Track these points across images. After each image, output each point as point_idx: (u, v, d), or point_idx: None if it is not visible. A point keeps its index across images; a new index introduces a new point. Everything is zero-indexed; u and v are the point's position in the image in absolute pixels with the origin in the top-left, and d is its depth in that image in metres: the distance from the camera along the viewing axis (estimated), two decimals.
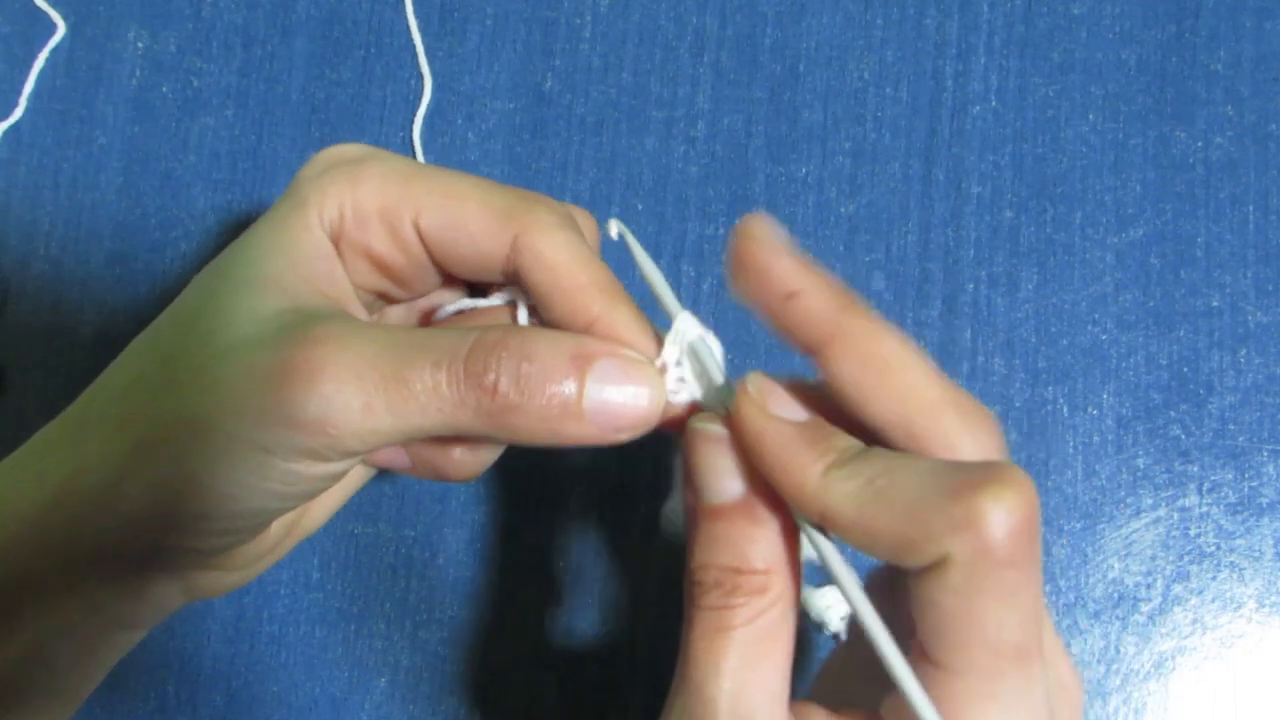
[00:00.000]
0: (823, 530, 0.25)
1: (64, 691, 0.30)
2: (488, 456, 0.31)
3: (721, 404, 0.27)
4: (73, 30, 0.46)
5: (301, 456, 0.26)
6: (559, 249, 0.28)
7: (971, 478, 0.23)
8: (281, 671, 0.41)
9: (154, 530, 0.27)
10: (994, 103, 0.44)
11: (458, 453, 0.30)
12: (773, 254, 0.26)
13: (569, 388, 0.26)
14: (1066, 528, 0.41)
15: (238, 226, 0.44)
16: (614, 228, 0.29)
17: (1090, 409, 0.42)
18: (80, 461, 0.27)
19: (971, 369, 0.42)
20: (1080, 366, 0.42)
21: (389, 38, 0.45)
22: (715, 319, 0.43)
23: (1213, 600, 0.40)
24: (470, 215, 0.28)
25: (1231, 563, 0.41)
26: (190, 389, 0.26)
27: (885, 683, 0.24)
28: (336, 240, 0.28)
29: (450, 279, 0.31)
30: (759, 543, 0.25)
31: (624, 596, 0.41)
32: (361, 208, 0.28)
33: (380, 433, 0.26)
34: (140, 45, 0.46)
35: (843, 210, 0.43)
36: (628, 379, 0.26)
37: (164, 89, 0.45)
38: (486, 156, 0.44)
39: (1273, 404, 0.41)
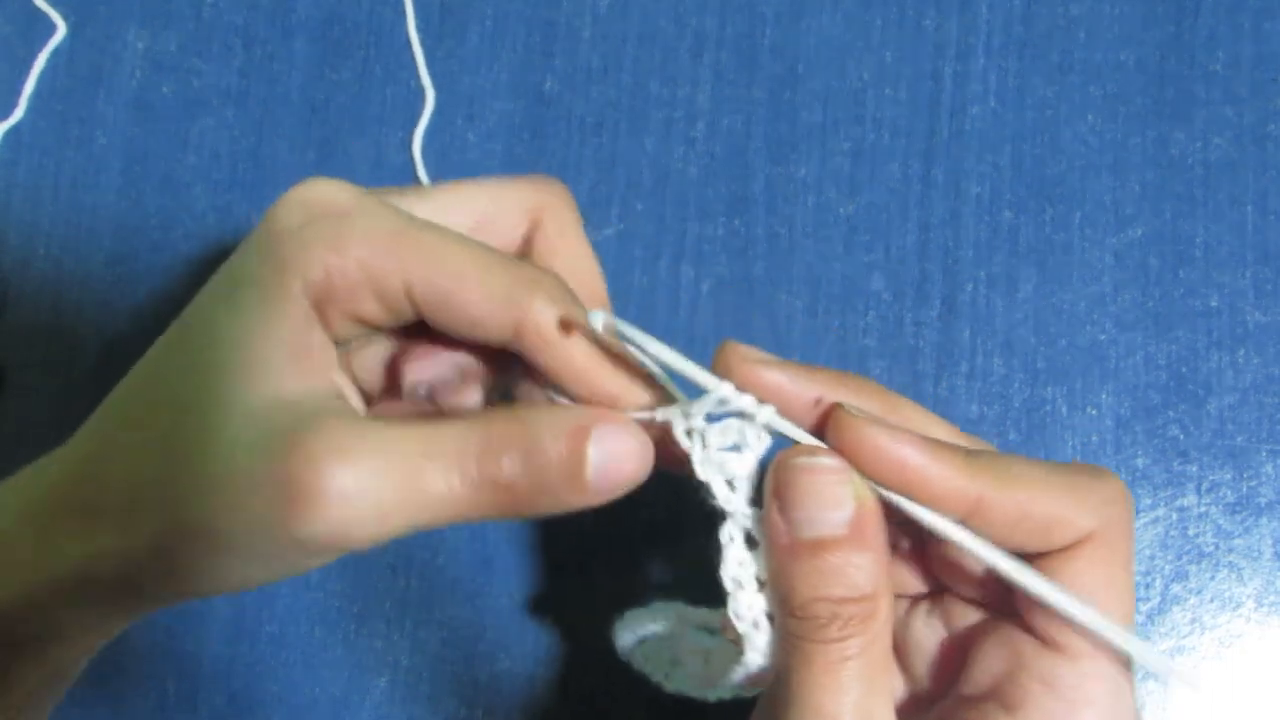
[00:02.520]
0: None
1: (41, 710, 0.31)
2: None
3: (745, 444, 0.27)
4: (73, 30, 0.46)
5: (310, 558, 0.26)
6: (567, 344, 0.27)
7: (1091, 469, 0.27)
8: (281, 671, 0.41)
9: (161, 602, 0.28)
10: (993, 103, 0.44)
11: None
12: (777, 371, 0.28)
13: (575, 466, 0.26)
14: None
15: (238, 227, 0.44)
16: (599, 322, 0.27)
17: (1089, 409, 0.42)
18: (96, 548, 0.27)
19: (970, 369, 0.42)
20: (1079, 366, 0.42)
21: (389, 38, 0.45)
22: (715, 319, 0.43)
23: (1211, 600, 0.40)
24: (467, 298, 0.27)
25: (1230, 562, 0.41)
26: (191, 498, 0.26)
27: None
28: (320, 305, 0.27)
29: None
30: (868, 570, 0.26)
31: (625, 596, 0.41)
32: (348, 275, 0.26)
33: (393, 533, 0.26)
34: (140, 45, 0.46)
35: (842, 210, 0.43)
36: (620, 438, 0.27)
37: (164, 89, 0.45)
38: (486, 157, 0.44)
39: (1271, 404, 0.41)
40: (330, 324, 0.27)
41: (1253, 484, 0.41)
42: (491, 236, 0.29)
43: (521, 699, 0.41)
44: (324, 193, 0.27)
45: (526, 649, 0.41)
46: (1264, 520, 0.41)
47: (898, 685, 0.30)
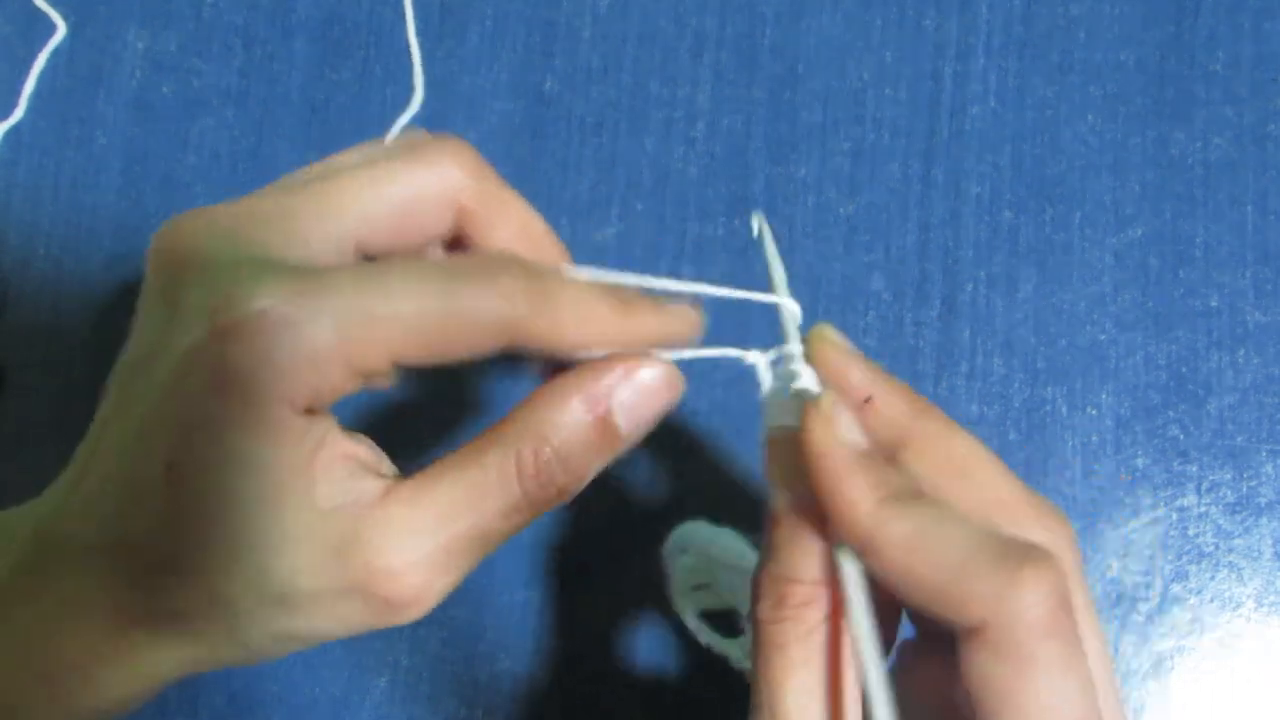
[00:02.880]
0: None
1: None
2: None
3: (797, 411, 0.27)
4: (73, 30, 0.46)
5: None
6: (559, 330, 0.27)
7: (1017, 549, 0.24)
8: (281, 671, 0.41)
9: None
10: (993, 103, 0.44)
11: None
12: (848, 361, 0.28)
13: (606, 431, 0.27)
14: None
15: None
16: (755, 223, 0.30)
17: (1089, 409, 0.42)
18: (180, 659, 0.26)
19: (970, 369, 0.42)
20: (1079, 366, 0.42)
21: (389, 38, 0.45)
22: (715, 318, 0.43)
23: (1211, 600, 0.40)
24: (454, 343, 0.26)
25: (1230, 562, 0.41)
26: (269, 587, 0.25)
27: None
28: (311, 408, 0.25)
29: None
30: (812, 555, 0.26)
31: (625, 596, 0.41)
32: (335, 384, 0.25)
33: (470, 571, 0.27)
34: (140, 45, 0.46)
35: (842, 210, 0.43)
36: (653, 389, 0.27)
37: (164, 89, 0.45)
38: (486, 157, 0.44)
39: (1271, 404, 0.41)
40: (321, 409, 0.26)
41: (1253, 484, 0.41)
42: (415, 234, 0.28)
43: (521, 699, 0.41)
44: (209, 243, 0.25)
45: (526, 649, 0.41)
46: (1264, 520, 0.41)
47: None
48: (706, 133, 0.44)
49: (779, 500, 0.27)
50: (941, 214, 0.43)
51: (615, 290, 0.28)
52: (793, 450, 0.26)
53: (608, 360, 0.27)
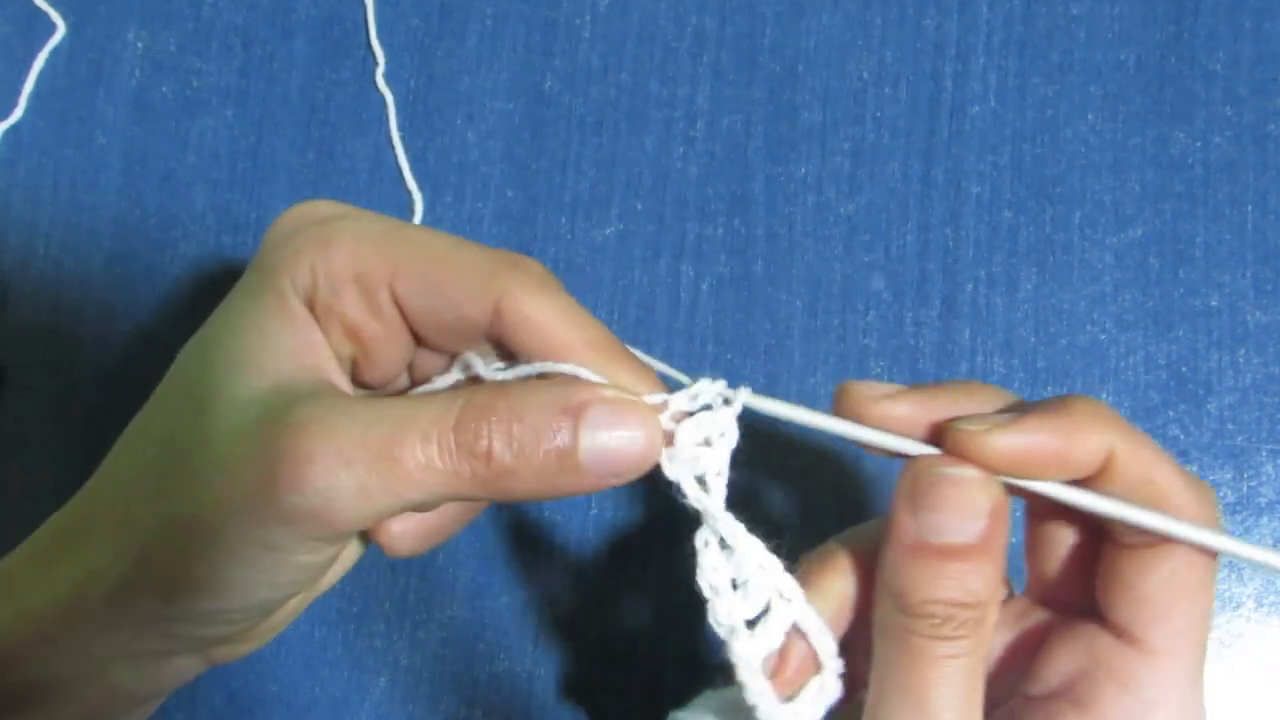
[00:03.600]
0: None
1: None
2: (434, 538, 0.30)
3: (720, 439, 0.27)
4: (73, 30, 0.46)
5: (302, 546, 0.26)
6: (546, 309, 0.27)
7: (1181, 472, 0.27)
8: (281, 671, 0.41)
9: (167, 626, 0.27)
10: (993, 103, 0.44)
11: (396, 527, 0.29)
12: (900, 402, 0.28)
13: (564, 440, 0.25)
14: None
15: (237, 226, 0.44)
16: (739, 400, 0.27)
17: None
18: (89, 565, 0.27)
19: (970, 369, 0.42)
20: (1079, 366, 0.42)
21: (388, 38, 0.45)
22: (715, 318, 0.43)
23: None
24: (450, 278, 0.27)
25: (1230, 562, 0.41)
26: (183, 490, 0.26)
27: None
28: (311, 306, 0.27)
29: (422, 344, 0.29)
30: (987, 578, 0.26)
31: (624, 596, 0.41)
32: (335, 273, 0.27)
33: (377, 512, 0.25)
34: (140, 45, 0.46)
35: (842, 210, 0.43)
36: (621, 422, 0.26)
37: (164, 89, 0.45)
38: (486, 156, 0.44)
39: (1271, 404, 0.41)
40: (328, 331, 0.27)
41: (1253, 484, 0.41)
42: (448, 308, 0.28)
43: (521, 699, 0.41)
44: (312, 207, 0.28)
45: (526, 649, 0.41)
46: (1264, 520, 0.41)
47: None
48: (706, 132, 0.44)
49: (949, 535, 0.26)
50: (941, 214, 0.43)
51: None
52: (968, 484, 0.26)
53: (604, 393, 0.26)
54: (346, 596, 0.42)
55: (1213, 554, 0.26)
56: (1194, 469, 0.41)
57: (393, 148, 0.44)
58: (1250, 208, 0.43)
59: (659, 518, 0.42)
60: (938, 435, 0.27)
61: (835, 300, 0.43)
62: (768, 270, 0.43)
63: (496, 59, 0.45)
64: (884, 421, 0.27)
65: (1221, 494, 0.41)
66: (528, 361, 0.27)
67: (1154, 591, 0.26)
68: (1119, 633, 0.27)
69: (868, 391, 0.28)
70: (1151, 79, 0.44)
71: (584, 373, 0.26)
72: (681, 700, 0.41)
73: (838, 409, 0.28)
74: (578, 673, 0.41)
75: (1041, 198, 0.43)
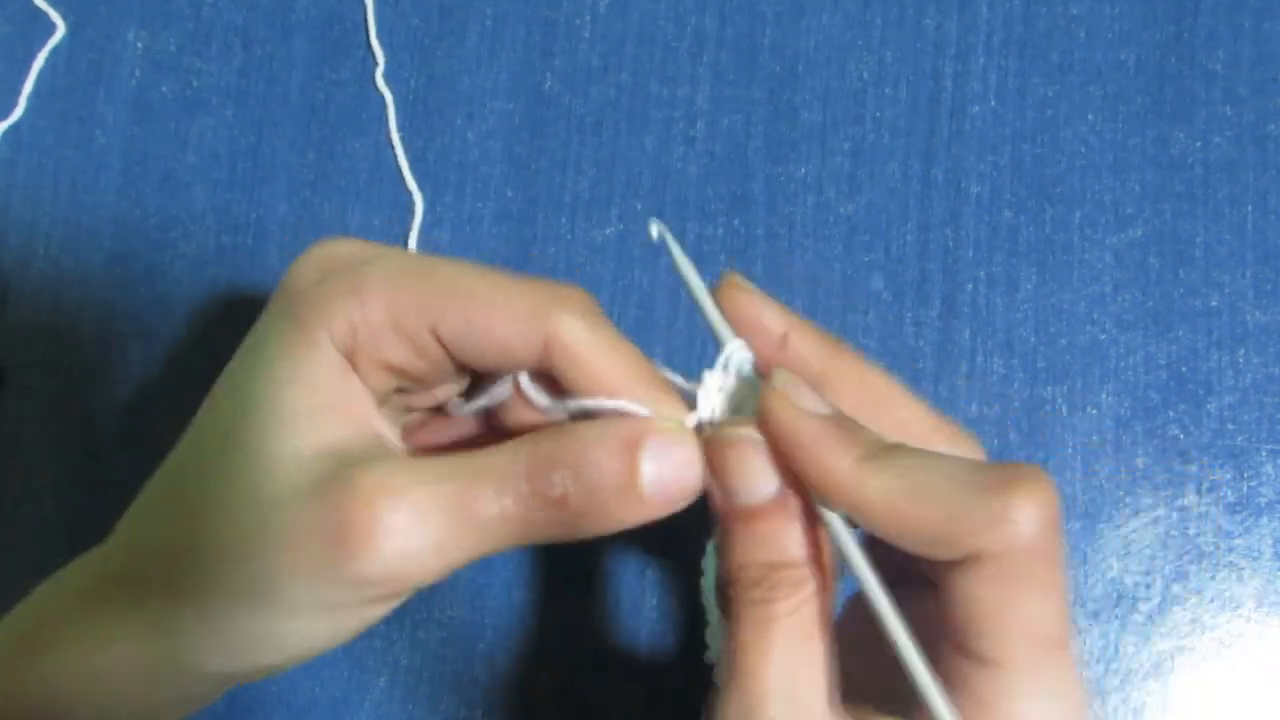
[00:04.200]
0: (849, 524, 0.26)
1: None
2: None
3: (749, 410, 0.27)
4: (72, 30, 0.46)
5: (373, 604, 0.26)
6: (594, 345, 0.27)
7: (1002, 476, 0.25)
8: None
9: (224, 677, 0.28)
10: (993, 103, 0.44)
11: None
12: (761, 304, 0.28)
13: (627, 477, 0.26)
14: (1065, 527, 0.41)
15: (237, 226, 0.44)
16: (654, 229, 0.29)
17: (1089, 409, 0.42)
18: (152, 629, 0.27)
19: (970, 369, 0.42)
20: (1079, 366, 0.42)
21: (388, 38, 0.45)
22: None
23: (1211, 600, 0.40)
24: (494, 319, 0.27)
25: (1230, 562, 0.41)
26: (248, 557, 0.25)
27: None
28: (350, 356, 0.27)
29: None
30: (794, 538, 0.26)
31: (624, 596, 0.41)
32: (373, 323, 0.27)
33: (451, 565, 0.26)
34: (140, 45, 0.46)
35: (842, 210, 0.43)
36: (674, 453, 0.26)
37: (164, 89, 0.45)
38: (486, 156, 0.44)
39: (1271, 404, 0.41)
40: (366, 376, 0.27)
41: (1253, 484, 0.41)
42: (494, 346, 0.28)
43: (521, 699, 0.41)
44: (337, 249, 0.28)
45: (526, 649, 0.41)
46: (1264, 520, 0.41)
47: (845, 674, 0.30)
48: (706, 132, 0.44)
49: (744, 496, 0.27)
50: (941, 214, 0.43)
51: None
52: (751, 445, 0.26)
53: (658, 427, 0.27)
54: None
55: (1029, 561, 0.25)
56: (1194, 469, 0.41)
57: (392, 148, 0.44)
58: (1250, 208, 0.43)
59: (659, 520, 0.42)
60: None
61: (835, 300, 0.43)
62: (768, 270, 0.43)
63: (496, 59, 0.45)
64: (735, 311, 0.28)
65: (1221, 494, 0.41)
66: (574, 392, 0.27)
67: (964, 608, 0.25)
68: (957, 645, 0.26)
69: (747, 287, 0.29)
70: (1151, 79, 0.44)
71: (633, 407, 0.27)
72: (681, 699, 0.41)
73: (718, 290, 0.29)
74: (578, 673, 0.41)
75: (1041, 198, 0.43)
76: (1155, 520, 0.41)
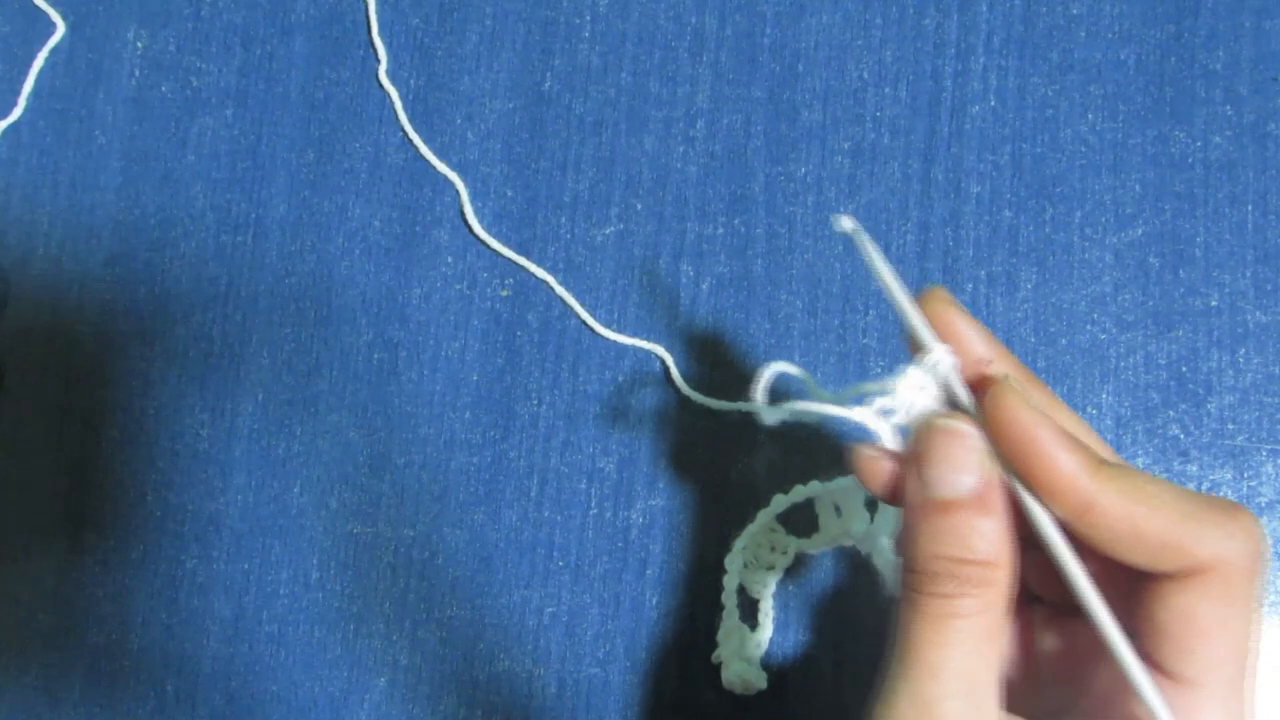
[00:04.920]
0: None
1: None
2: None
3: (949, 408, 0.28)
4: (72, 30, 0.46)
5: None
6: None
7: (1222, 502, 0.26)
8: (280, 671, 0.41)
9: None
10: (993, 102, 0.44)
11: None
12: (967, 322, 0.28)
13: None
14: None
15: (237, 226, 0.44)
16: (846, 224, 0.29)
17: (1089, 409, 0.42)
18: None
19: None
20: (1079, 366, 0.42)
21: (387, 38, 0.45)
22: (714, 318, 0.43)
23: None
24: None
25: None
26: None
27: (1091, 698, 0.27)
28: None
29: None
30: (988, 537, 0.26)
31: (624, 596, 0.41)
32: None
33: None
34: (140, 45, 0.46)
35: (842, 210, 0.43)
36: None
37: (163, 89, 0.45)
38: (485, 156, 0.44)
39: (1271, 404, 0.41)
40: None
41: (1253, 484, 0.41)
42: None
43: (521, 699, 0.41)
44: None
45: (526, 649, 0.41)
46: (1264, 520, 0.41)
47: (1018, 678, 0.30)
48: (706, 132, 0.44)
49: (944, 488, 0.27)
50: (941, 213, 0.43)
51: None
52: (962, 438, 0.27)
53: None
54: (346, 596, 0.42)
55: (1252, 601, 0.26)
56: (1194, 469, 0.41)
57: (409, 139, 0.44)
58: (1250, 207, 0.43)
59: (659, 517, 0.42)
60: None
61: (835, 300, 0.43)
62: (768, 270, 0.43)
63: (496, 59, 0.45)
64: (942, 323, 0.28)
65: (1221, 494, 0.41)
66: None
67: (1175, 623, 0.26)
68: (1149, 660, 0.26)
69: (955, 302, 0.29)
70: (1151, 79, 0.44)
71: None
72: (681, 699, 0.41)
73: (925, 300, 0.29)
74: (578, 673, 0.41)
75: (1041, 197, 0.43)
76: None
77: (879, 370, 0.42)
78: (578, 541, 0.42)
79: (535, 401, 0.42)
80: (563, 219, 0.44)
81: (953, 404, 0.28)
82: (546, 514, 0.42)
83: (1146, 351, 0.42)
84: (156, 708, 0.41)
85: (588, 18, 0.45)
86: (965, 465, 0.27)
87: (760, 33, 0.45)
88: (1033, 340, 0.42)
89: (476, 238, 0.43)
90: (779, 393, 0.37)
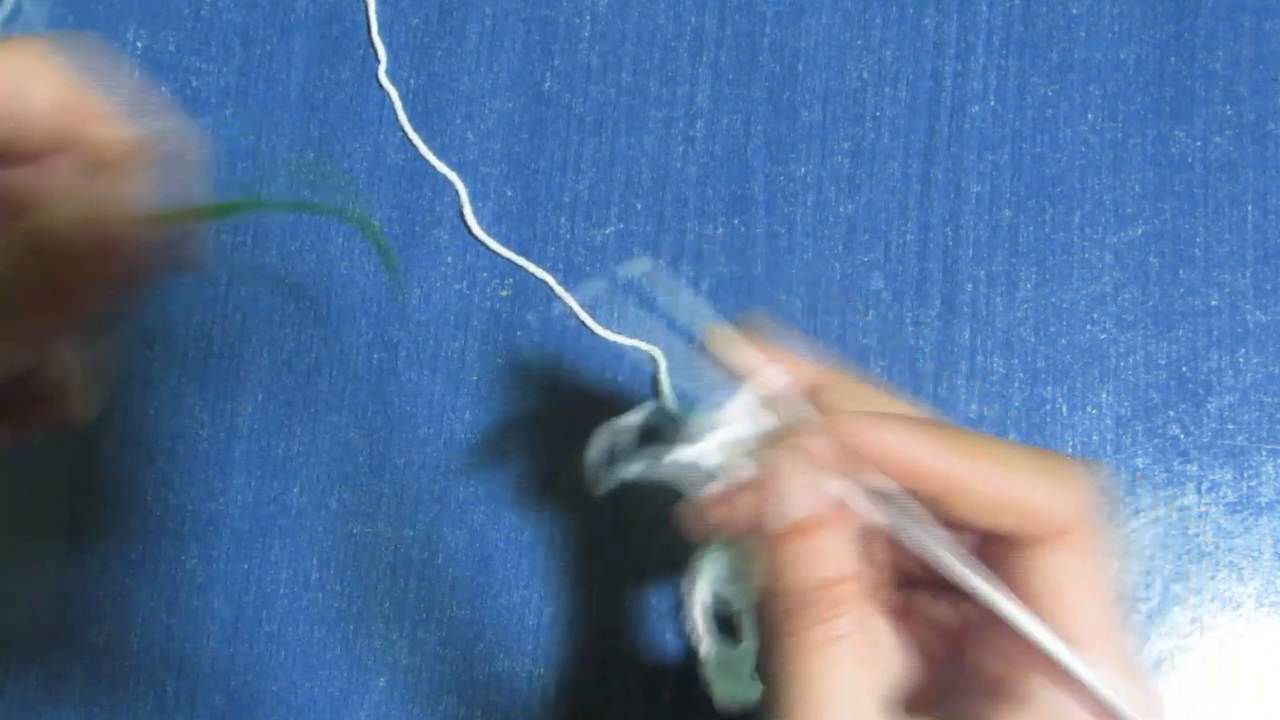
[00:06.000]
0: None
1: None
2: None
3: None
4: (72, 30, 0.46)
5: None
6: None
7: (1055, 454, 0.26)
8: (280, 671, 0.41)
9: None
10: (993, 102, 0.44)
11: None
12: (746, 347, 0.28)
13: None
14: None
15: (237, 226, 0.44)
16: (640, 267, 0.29)
17: (1089, 408, 0.42)
18: None
19: (970, 369, 0.42)
20: (1079, 366, 0.42)
21: (387, 38, 0.45)
22: (715, 318, 0.43)
23: (1211, 600, 0.40)
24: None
25: (1230, 562, 0.41)
26: None
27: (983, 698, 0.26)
28: None
29: None
30: (850, 550, 0.26)
31: (624, 596, 0.41)
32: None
33: None
34: (140, 45, 0.46)
35: (841, 210, 0.43)
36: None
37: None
38: (485, 156, 0.44)
39: (1271, 403, 0.41)
40: None
41: (1253, 484, 0.41)
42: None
43: (521, 699, 0.41)
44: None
45: (526, 649, 0.41)
46: (1264, 520, 0.41)
47: (910, 668, 0.30)
48: (706, 132, 0.44)
49: (790, 510, 0.26)
50: (941, 213, 0.43)
51: None
52: (800, 458, 0.26)
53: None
54: (346, 596, 0.42)
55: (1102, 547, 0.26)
56: (1194, 469, 0.41)
57: (409, 139, 0.44)
58: (1250, 207, 0.43)
59: (659, 516, 0.42)
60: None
61: (835, 300, 0.43)
62: (768, 270, 0.43)
63: (496, 59, 0.45)
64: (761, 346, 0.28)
65: (1221, 494, 0.41)
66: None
67: (1048, 587, 0.25)
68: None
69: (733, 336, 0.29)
70: (1151, 79, 0.44)
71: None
72: (681, 700, 0.41)
73: (713, 347, 0.29)
74: (578, 673, 0.41)
75: (1041, 197, 0.43)
76: (1155, 520, 0.41)
77: (878, 371, 0.42)
78: (577, 541, 0.42)
79: (535, 401, 0.42)
80: (562, 219, 0.44)
81: (788, 422, 0.28)
82: (547, 513, 0.42)
83: (1146, 351, 0.42)
84: (156, 708, 0.41)
85: (588, 18, 0.45)
86: (809, 485, 0.26)
87: (760, 33, 0.45)
88: (1033, 340, 0.42)
89: (476, 238, 0.43)
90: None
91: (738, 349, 0.28)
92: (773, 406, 0.28)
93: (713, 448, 0.28)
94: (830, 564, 0.26)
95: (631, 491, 0.42)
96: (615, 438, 0.30)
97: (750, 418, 0.28)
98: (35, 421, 0.28)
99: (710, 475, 0.28)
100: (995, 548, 0.26)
